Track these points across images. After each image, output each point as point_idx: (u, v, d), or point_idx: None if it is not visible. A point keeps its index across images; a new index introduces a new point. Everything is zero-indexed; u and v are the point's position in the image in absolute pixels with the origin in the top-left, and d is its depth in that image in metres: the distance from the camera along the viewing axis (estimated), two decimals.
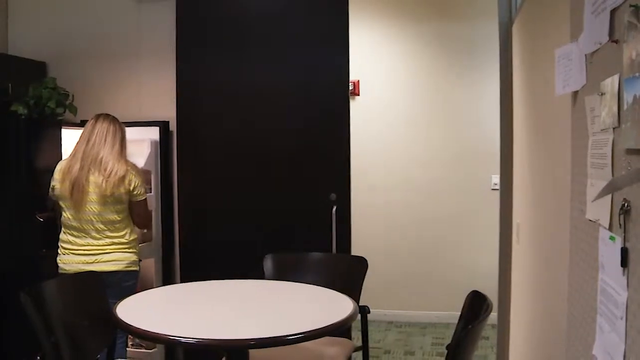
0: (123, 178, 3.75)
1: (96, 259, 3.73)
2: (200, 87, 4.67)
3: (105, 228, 3.77)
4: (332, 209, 4.34)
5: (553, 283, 2.52)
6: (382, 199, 6.20)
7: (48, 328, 2.70)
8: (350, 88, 5.53)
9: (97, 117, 3.90)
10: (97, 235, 3.75)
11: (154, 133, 4.70)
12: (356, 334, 4.01)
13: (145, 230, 4.44)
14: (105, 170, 3.72)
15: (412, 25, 6.21)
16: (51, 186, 3.84)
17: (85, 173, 3.71)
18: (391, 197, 6.21)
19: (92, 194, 3.72)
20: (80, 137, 3.85)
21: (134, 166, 3.88)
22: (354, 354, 3.63)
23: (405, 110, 6.20)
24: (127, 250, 3.82)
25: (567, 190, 1.98)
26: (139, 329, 2.48)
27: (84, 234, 3.76)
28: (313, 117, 4.50)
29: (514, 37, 4.04)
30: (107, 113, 3.95)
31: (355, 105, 5.74)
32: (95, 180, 3.71)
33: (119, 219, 3.81)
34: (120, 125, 3.91)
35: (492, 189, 5.71)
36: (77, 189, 3.71)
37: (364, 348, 3.42)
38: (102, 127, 3.82)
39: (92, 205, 3.73)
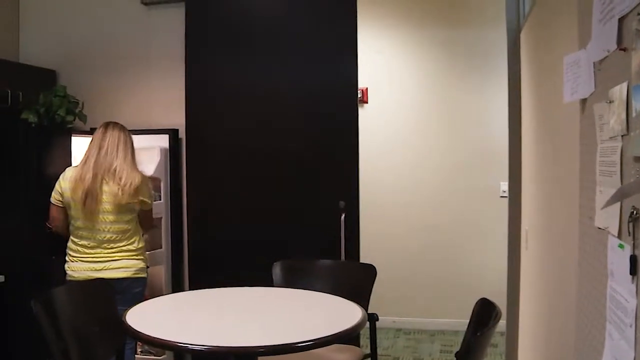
0: (138, 188, 3.77)
1: (105, 266, 3.74)
2: (210, 93, 4.68)
3: (116, 237, 3.78)
4: (341, 217, 4.34)
5: (562, 290, 2.52)
6: (391, 206, 6.20)
7: (58, 334, 2.72)
8: (359, 96, 5.54)
9: (107, 125, 3.91)
10: (108, 243, 3.77)
11: (163, 140, 4.72)
12: (365, 341, 4.01)
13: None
14: (120, 179, 3.73)
15: (421, 32, 6.22)
16: (57, 191, 3.84)
17: (99, 182, 3.73)
18: (400, 205, 6.20)
19: (107, 204, 3.74)
20: (91, 145, 3.86)
21: (144, 175, 3.91)
22: None
23: (414, 118, 6.20)
24: (135, 257, 3.84)
25: (576, 197, 1.97)
26: (148, 336, 2.49)
27: (93, 242, 3.77)
28: (322, 124, 4.51)
29: (522, 44, 4.04)
30: (115, 121, 3.97)
31: (363, 112, 5.74)
32: (110, 190, 3.73)
33: (129, 227, 3.83)
34: (129, 134, 3.94)
35: (501, 196, 5.70)
36: (91, 198, 3.72)
37: (373, 355, 3.42)
38: (113, 135, 3.84)
39: (106, 215, 3.75)
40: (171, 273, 4.75)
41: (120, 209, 3.76)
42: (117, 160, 3.78)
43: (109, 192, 3.73)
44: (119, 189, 3.72)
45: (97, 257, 3.76)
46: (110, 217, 3.75)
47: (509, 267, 4.26)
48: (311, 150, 4.52)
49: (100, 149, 3.80)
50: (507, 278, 4.29)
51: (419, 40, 6.25)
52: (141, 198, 3.81)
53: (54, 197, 3.86)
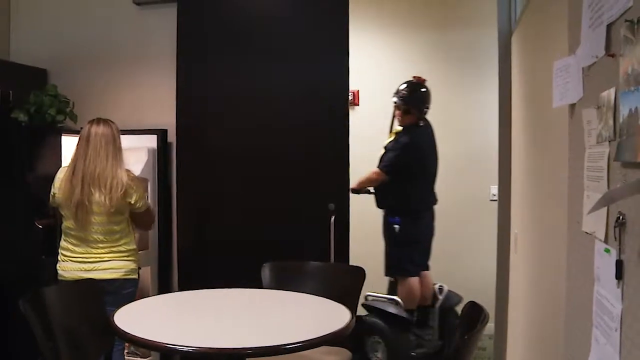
0: (125, 192, 3.74)
1: (94, 267, 3.72)
2: (201, 94, 4.67)
3: (105, 238, 3.76)
4: (330, 219, 4.34)
5: (550, 294, 2.53)
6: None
7: (47, 334, 2.71)
8: (350, 98, 5.53)
9: (90, 124, 3.82)
10: (96, 244, 3.75)
11: (151, 141, 4.70)
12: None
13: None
14: (105, 187, 3.68)
15: (412, 35, 6.23)
16: (52, 193, 3.83)
17: (87, 194, 3.68)
18: None
19: (97, 212, 3.71)
20: (77, 147, 3.80)
21: (133, 177, 3.87)
22: None
23: None
24: (125, 258, 3.82)
25: (565, 202, 1.98)
26: (136, 337, 2.48)
27: (83, 243, 3.76)
28: (313, 126, 4.51)
29: (513, 48, 4.05)
30: (99, 117, 3.88)
31: (354, 114, 5.74)
32: (98, 200, 3.69)
33: (117, 229, 3.80)
34: (115, 129, 3.85)
35: (491, 200, 5.71)
36: (82, 210, 3.69)
37: (361, 358, 3.42)
38: (96, 138, 3.75)
39: (96, 217, 3.72)
40: (158, 274, 4.74)
41: (109, 211, 3.74)
42: (100, 165, 3.70)
43: (97, 203, 3.70)
44: (105, 198, 3.69)
45: (86, 258, 3.75)
46: (100, 219, 3.73)
47: (498, 270, 4.27)
48: (301, 152, 4.53)
49: (85, 157, 3.73)
50: (496, 281, 4.30)
51: (410, 43, 6.26)
52: (129, 200, 3.78)
53: (50, 197, 3.84)
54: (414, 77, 5.23)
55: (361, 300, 4.78)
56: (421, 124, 5.13)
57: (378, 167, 5.09)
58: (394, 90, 5.18)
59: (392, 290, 5.10)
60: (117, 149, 3.80)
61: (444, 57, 6.13)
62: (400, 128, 5.18)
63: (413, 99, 5.12)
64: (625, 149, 1.30)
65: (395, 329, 4.69)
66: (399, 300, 4.88)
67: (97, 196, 3.68)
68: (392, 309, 4.75)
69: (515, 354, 3.85)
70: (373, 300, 4.97)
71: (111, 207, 3.69)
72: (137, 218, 3.92)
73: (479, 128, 5.96)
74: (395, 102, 5.10)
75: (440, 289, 5.13)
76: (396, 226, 5.01)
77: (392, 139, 5.17)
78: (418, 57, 6.23)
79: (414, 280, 5.00)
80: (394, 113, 5.20)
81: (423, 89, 5.17)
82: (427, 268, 5.17)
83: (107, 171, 3.70)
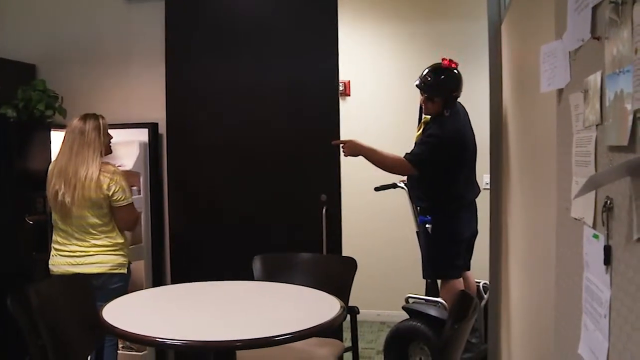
0: (98, 182, 3.72)
1: (80, 261, 3.73)
2: (190, 88, 4.67)
3: (88, 232, 3.76)
4: (322, 210, 4.33)
5: (542, 282, 2.52)
6: (372, 199, 6.17)
7: (35, 330, 2.69)
8: (341, 88, 5.52)
9: (72, 120, 3.89)
10: (81, 237, 3.75)
11: (142, 135, 4.68)
12: (348, 335, 4.01)
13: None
14: (78, 182, 3.71)
15: (403, 25, 6.21)
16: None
17: (65, 190, 3.72)
18: (381, 197, 6.17)
19: (76, 205, 3.72)
20: (61, 143, 3.87)
21: (113, 171, 3.84)
22: (345, 355, 3.62)
23: (396, 110, 6.19)
24: (111, 252, 3.80)
25: (554, 188, 1.97)
26: (124, 331, 2.47)
27: (69, 236, 3.77)
28: (303, 118, 4.50)
29: (503, 36, 4.04)
30: (86, 113, 3.90)
31: (345, 105, 5.73)
32: (73, 195, 3.71)
33: (100, 222, 3.79)
34: (89, 123, 3.83)
35: (484, 188, 5.69)
36: (63, 205, 3.73)
37: (354, 348, 3.41)
38: (68, 134, 3.83)
39: (76, 211, 3.72)
40: (152, 268, 4.73)
41: (85, 203, 3.73)
42: (70, 161, 3.75)
43: (75, 197, 3.71)
44: (77, 191, 3.70)
45: (73, 252, 3.76)
46: (79, 213, 3.73)
47: (491, 259, 4.25)
48: (292, 144, 4.52)
49: (62, 153, 3.80)
50: (489, 269, 4.29)
51: (401, 33, 6.24)
52: (107, 193, 3.76)
53: None
54: (443, 59, 4.59)
55: (401, 302, 4.66)
56: (446, 114, 4.52)
57: (406, 157, 4.51)
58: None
59: (430, 291, 4.73)
60: (87, 144, 3.78)
61: (435, 46, 6.09)
62: (428, 117, 4.68)
63: (434, 85, 4.51)
64: (611, 132, 1.29)
65: (438, 333, 4.21)
66: (443, 302, 4.51)
67: (73, 192, 3.69)
68: (434, 312, 4.40)
69: (509, 342, 3.85)
70: (414, 302, 4.64)
71: (85, 201, 3.70)
72: (118, 214, 3.87)
73: (470, 116, 5.93)
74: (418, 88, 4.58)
75: (485, 288, 4.69)
76: (428, 225, 4.59)
77: (419, 132, 4.74)
78: (409, 47, 6.22)
79: (458, 282, 4.58)
80: (420, 101, 4.67)
81: (448, 74, 4.56)
82: (468, 267, 4.79)
83: (79, 167, 3.73)
